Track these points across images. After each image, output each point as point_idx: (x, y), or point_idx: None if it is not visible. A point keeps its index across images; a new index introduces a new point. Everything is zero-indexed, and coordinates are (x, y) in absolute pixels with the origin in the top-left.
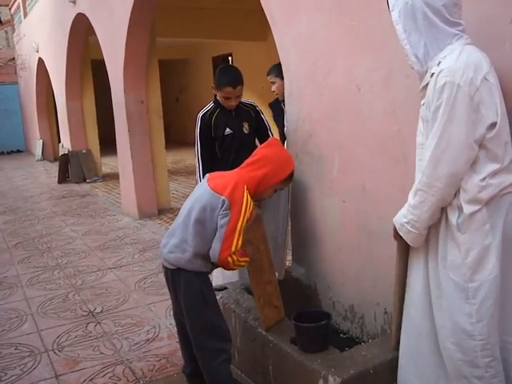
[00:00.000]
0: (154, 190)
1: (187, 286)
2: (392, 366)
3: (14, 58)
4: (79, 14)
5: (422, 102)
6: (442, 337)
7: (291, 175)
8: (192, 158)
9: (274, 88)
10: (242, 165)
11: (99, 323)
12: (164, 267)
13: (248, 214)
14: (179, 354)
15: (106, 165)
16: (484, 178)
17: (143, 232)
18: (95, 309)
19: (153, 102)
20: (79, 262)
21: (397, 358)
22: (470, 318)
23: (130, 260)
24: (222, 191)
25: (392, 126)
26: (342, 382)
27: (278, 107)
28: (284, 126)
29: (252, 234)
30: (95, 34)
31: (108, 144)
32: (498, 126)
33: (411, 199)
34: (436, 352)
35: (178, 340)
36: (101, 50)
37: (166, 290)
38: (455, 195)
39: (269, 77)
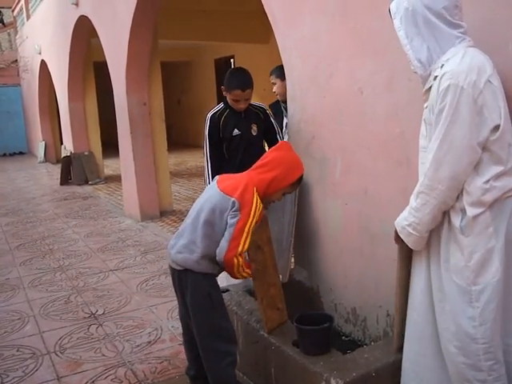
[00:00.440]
0: (156, 192)
1: (194, 287)
2: (394, 369)
3: (16, 60)
4: (82, 16)
5: (425, 105)
6: (445, 340)
7: (300, 179)
8: (194, 160)
9: (274, 89)
10: (252, 167)
11: (101, 325)
12: (171, 268)
13: (257, 216)
14: (181, 356)
15: (108, 167)
16: (488, 181)
17: (145, 234)
18: (97, 311)
19: (155, 104)
20: (81, 263)
21: (399, 360)
22: (473, 321)
23: (131, 262)
24: (232, 193)
25: (394, 128)
26: None
27: (277, 109)
28: (282, 128)
29: (257, 236)
30: (98, 36)
31: (110, 146)
32: (501, 128)
33: (413, 202)
34: (438, 355)
35: (180, 342)
36: (103, 52)
37: (168, 292)
38: (458, 198)
39: (270, 77)
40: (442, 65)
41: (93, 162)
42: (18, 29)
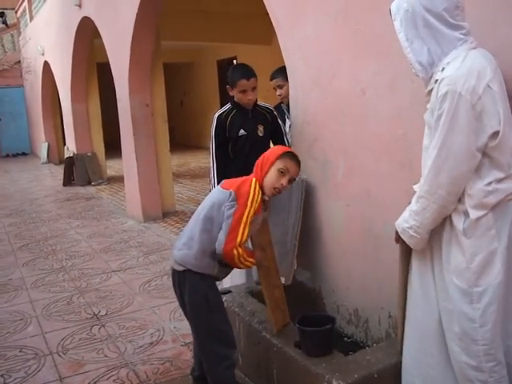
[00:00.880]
0: (159, 192)
1: (192, 288)
2: (396, 371)
3: (19, 61)
4: (85, 17)
5: (427, 106)
6: (449, 339)
7: (288, 153)
8: (196, 160)
9: (279, 92)
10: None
11: (103, 326)
12: (172, 270)
13: (255, 205)
14: (183, 357)
15: (111, 168)
16: (490, 183)
17: (148, 235)
18: (99, 311)
19: (157, 106)
20: (84, 264)
21: (401, 362)
22: (473, 322)
23: (134, 263)
24: (230, 187)
25: (397, 130)
26: None
27: (280, 112)
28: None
29: (260, 237)
30: (100, 37)
31: (113, 147)
32: (501, 134)
33: (413, 205)
34: (443, 353)
35: (182, 343)
36: (106, 53)
37: (171, 293)
38: (460, 200)
39: (274, 81)
40: (443, 68)
41: (95, 162)
42: (21, 30)
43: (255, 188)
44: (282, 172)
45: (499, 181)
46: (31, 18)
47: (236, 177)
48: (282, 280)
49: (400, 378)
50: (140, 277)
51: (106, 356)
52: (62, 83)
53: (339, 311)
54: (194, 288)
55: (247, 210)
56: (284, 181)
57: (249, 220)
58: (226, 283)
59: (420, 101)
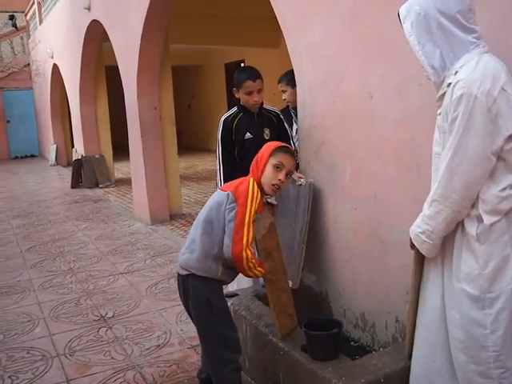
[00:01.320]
0: (166, 195)
1: (195, 292)
2: (403, 376)
3: (29, 64)
4: (94, 20)
5: (439, 112)
6: (455, 348)
7: (280, 148)
8: (203, 163)
9: (284, 96)
10: None
11: (110, 328)
12: (178, 275)
13: (255, 204)
14: (190, 359)
15: (119, 170)
16: (504, 189)
17: (155, 237)
18: (107, 314)
19: (166, 108)
20: (91, 266)
21: (408, 367)
22: (484, 329)
23: (141, 265)
24: (228, 188)
25: (405, 133)
26: None
27: (287, 116)
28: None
29: (267, 243)
30: (109, 40)
31: (121, 149)
32: None
33: (426, 209)
34: (450, 363)
35: (188, 346)
36: (115, 57)
37: (177, 295)
38: (474, 206)
39: (279, 85)
40: (456, 72)
41: (103, 165)
42: (31, 33)
43: (253, 187)
44: (277, 167)
45: None
46: (41, 21)
47: None
48: (290, 283)
49: (406, 382)
50: (147, 279)
51: (112, 358)
52: (70, 86)
53: (346, 315)
54: (197, 292)
55: (248, 209)
56: (281, 176)
57: (251, 220)
58: (232, 287)
59: (428, 104)
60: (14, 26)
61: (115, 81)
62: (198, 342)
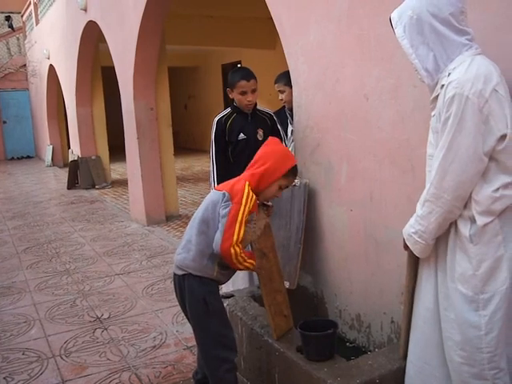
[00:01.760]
0: (163, 196)
1: (190, 291)
2: (398, 376)
3: (25, 65)
4: (90, 21)
5: (433, 114)
6: (449, 349)
7: (294, 170)
8: (200, 164)
9: (282, 96)
10: (246, 168)
11: (106, 329)
12: (173, 275)
13: (250, 204)
14: (186, 361)
15: (115, 171)
16: (497, 189)
17: (151, 238)
18: (102, 315)
19: (162, 109)
20: (87, 267)
21: (403, 367)
22: (479, 330)
23: (137, 266)
24: (224, 188)
25: (400, 135)
26: None
27: (282, 116)
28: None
29: (262, 243)
30: (106, 41)
31: (117, 150)
32: (508, 137)
33: (419, 210)
34: (445, 364)
35: (184, 347)
36: (111, 57)
37: (173, 296)
38: (466, 206)
39: (276, 85)
40: (449, 73)
41: (100, 166)
42: (27, 34)
43: (248, 190)
44: (282, 188)
45: (506, 186)
46: (37, 22)
47: None
48: (286, 284)
49: (401, 383)
50: (143, 280)
51: (108, 359)
52: (66, 87)
53: (341, 316)
54: (193, 291)
55: (242, 208)
56: (280, 194)
57: (244, 218)
58: (227, 287)
59: (423, 107)
60: (11, 26)
61: (111, 82)
62: (194, 343)
